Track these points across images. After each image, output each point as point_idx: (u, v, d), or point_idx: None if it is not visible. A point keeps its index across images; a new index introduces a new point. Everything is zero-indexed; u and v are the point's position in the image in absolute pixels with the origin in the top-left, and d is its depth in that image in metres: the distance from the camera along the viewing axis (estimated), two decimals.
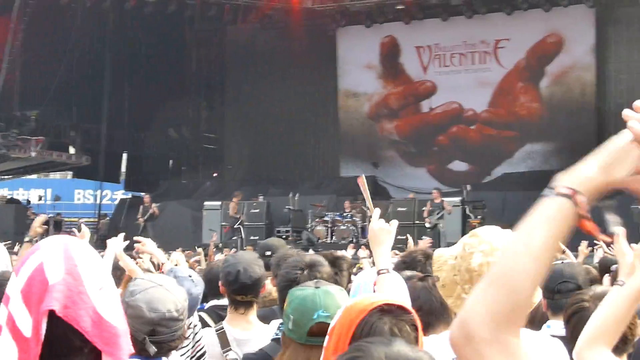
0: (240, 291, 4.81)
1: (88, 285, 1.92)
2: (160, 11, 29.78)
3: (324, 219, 25.95)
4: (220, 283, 5.07)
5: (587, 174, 1.66)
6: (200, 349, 4.92)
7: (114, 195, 38.77)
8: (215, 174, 34.16)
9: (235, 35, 33.95)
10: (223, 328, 4.73)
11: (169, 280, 3.58)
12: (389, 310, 2.57)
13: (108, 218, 32.43)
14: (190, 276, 4.54)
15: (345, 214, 25.83)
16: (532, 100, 30.21)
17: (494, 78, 30.66)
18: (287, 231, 26.36)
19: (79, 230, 6.57)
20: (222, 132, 35.41)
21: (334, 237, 25.60)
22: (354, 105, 32.74)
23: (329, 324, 2.94)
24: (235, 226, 26.58)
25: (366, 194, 4.66)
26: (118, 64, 30.96)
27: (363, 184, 4.76)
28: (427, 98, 31.44)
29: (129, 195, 34.12)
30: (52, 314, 1.88)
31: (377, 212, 4.12)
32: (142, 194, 30.65)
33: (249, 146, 33.90)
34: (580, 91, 29.51)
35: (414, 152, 31.63)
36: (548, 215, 1.65)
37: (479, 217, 24.57)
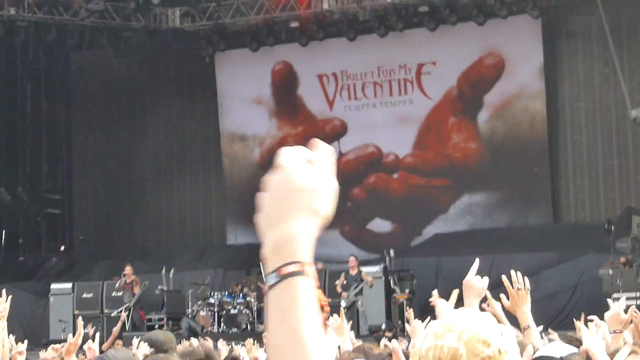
0: None
1: None
2: None
3: (209, 301, 23.86)
4: None
5: (292, 238, 1.82)
6: None
7: None
8: (62, 247, 31.20)
9: (82, 63, 31.46)
10: None
11: None
12: None
13: None
14: None
15: (235, 294, 23.97)
16: (469, 139, 28.26)
17: (419, 113, 28.54)
18: (160, 319, 24.16)
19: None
20: (69, 192, 32.23)
21: (222, 325, 23.49)
22: (241, 151, 30.40)
23: None
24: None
25: None
26: None
27: None
28: (335, 140, 28.79)
29: None
30: None
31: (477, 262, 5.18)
32: None
33: (104, 209, 31.53)
34: (529, 124, 27.62)
35: None
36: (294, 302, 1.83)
37: (407, 290, 23.48)
